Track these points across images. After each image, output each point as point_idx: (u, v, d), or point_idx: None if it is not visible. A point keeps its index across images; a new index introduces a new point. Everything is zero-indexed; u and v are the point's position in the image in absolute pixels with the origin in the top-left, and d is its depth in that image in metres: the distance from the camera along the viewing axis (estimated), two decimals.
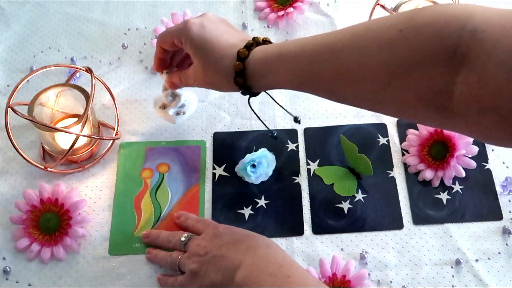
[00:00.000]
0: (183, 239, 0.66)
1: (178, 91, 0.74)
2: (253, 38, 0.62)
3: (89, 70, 0.74)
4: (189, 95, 0.78)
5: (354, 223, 0.71)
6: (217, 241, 0.63)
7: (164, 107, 0.77)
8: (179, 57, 0.73)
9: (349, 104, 0.58)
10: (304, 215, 0.72)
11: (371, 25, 0.54)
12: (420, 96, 0.50)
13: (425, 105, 0.50)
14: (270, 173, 0.74)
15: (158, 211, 0.73)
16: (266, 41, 0.63)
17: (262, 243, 0.62)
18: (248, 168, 0.72)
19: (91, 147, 0.76)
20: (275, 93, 0.82)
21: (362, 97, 0.55)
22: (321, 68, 0.55)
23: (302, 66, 0.57)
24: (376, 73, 0.51)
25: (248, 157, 0.73)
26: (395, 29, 0.50)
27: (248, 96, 0.64)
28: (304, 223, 0.71)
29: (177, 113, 0.76)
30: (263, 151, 0.74)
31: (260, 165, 0.73)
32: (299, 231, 0.71)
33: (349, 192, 0.73)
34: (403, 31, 0.50)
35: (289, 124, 0.79)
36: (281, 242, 0.70)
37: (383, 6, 0.79)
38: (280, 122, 0.79)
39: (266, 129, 0.75)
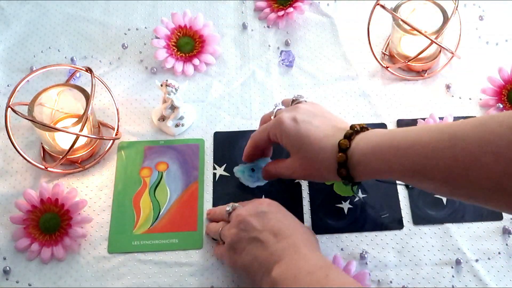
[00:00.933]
0: (228, 208, 0.66)
1: (176, 103, 0.76)
2: (351, 127, 0.62)
3: (89, 70, 0.74)
4: (188, 107, 0.79)
5: (354, 223, 0.71)
6: (261, 221, 0.62)
7: (163, 119, 0.78)
8: (269, 150, 0.73)
9: (460, 197, 0.57)
10: (304, 215, 0.72)
11: (496, 114, 0.54)
12: None
13: None
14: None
15: (157, 209, 0.73)
16: (363, 128, 0.62)
17: (305, 242, 0.60)
18: (246, 172, 0.73)
19: (91, 147, 0.76)
20: (275, 93, 0.82)
21: (480, 185, 0.53)
22: (441, 156, 0.54)
23: (418, 156, 0.55)
24: (503, 154, 0.50)
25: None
26: None
27: (350, 184, 0.63)
28: (305, 223, 0.71)
29: (176, 125, 0.78)
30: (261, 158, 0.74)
31: (258, 170, 0.73)
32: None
33: (349, 192, 0.73)
34: None
35: None
36: None
37: (383, 6, 0.79)
38: None
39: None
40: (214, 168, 0.76)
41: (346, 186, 0.72)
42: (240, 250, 0.61)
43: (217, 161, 0.76)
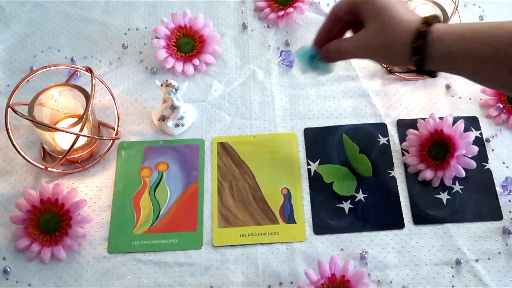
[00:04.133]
0: None
1: (176, 103, 0.76)
2: (431, 16, 0.60)
3: (89, 70, 0.74)
4: (188, 107, 0.79)
5: (355, 223, 0.71)
6: None
7: (163, 119, 0.78)
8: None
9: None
10: (304, 215, 0.72)
11: None
12: None
13: None
14: (330, 69, 0.68)
15: (157, 209, 0.73)
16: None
17: None
18: (306, 57, 0.67)
19: (91, 147, 0.76)
20: (275, 93, 0.82)
21: None
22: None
23: (501, 38, 0.55)
24: None
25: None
26: None
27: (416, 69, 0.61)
28: (305, 223, 0.71)
29: (176, 125, 0.78)
30: None
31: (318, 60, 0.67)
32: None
33: (348, 191, 0.73)
34: None
35: (289, 125, 0.79)
36: (281, 244, 0.70)
37: None
38: (280, 122, 0.79)
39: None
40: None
41: (345, 186, 0.72)
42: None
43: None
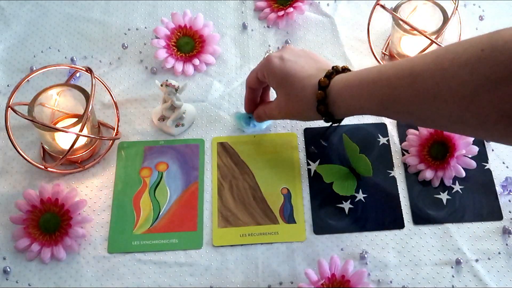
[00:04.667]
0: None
1: (177, 103, 0.76)
2: (333, 67, 0.65)
3: (89, 70, 0.74)
4: (188, 107, 0.80)
5: (355, 223, 0.71)
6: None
7: (163, 119, 0.78)
8: (267, 96, 0.77)
9: (427, 126, 0.61)
10: (304, 214, 0.72)
11: (450, 47, 0.55)
12: (504, 112, 0.50)
13: (508, 121, 0.51)
14: (263, 127, 0.78)
15: (157, 209, 0.73)
16: (345, 69, 0.65)
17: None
18: (243, 119, 0.77)
19: (91, 147, 0.76)
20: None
21: (443, 117, 0.56)
22: (402, 91, 0.57)
23: (383, 91, 0.59)
24: (457, 92, 0.52)
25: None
26: (476, 48, 0.51)
27: (330, 123, 0.67)
28: (305, 223, 0.71)
29: (176, 125, 0.78)
30: None
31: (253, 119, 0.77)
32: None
33: (348, 191, 0.73)
34: (485, 50, 0.51)
35: (289, 125, 0.79)
36: (281, 244, 0.70)
37: (383, 6, 0.79)
38: (280, 122, 0.79)
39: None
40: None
41: (345, 186, 0.72)
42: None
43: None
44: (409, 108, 0.58)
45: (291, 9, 0.87)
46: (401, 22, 0.78)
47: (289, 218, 0.72)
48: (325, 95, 0.63)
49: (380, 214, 0.72)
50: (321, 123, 0.79)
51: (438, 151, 0.73)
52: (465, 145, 0.72)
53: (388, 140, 0.77)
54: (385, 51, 0.86)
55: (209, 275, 0.68)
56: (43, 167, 0.74)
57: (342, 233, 0.71)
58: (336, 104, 0.63)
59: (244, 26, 0.89)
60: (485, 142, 0.77)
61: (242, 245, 0.70)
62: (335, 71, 0.64)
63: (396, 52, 0.84)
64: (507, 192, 0.73)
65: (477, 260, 0.69)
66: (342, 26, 0.89)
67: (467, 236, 0.70)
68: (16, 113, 0.69)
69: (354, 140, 0.73)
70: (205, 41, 0.85)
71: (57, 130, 0.71)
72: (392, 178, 0.75)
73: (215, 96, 0.83)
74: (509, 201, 0.73)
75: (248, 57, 0.86)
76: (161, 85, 0.75)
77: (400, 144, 0.77)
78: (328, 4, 0.91)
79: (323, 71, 0.65)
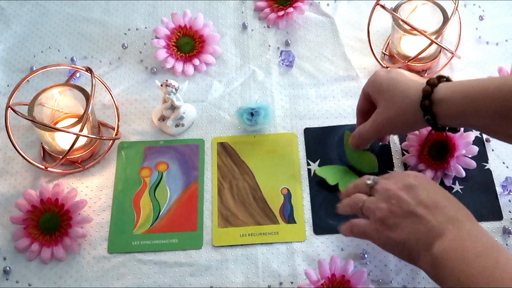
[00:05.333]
0: (369, 182, 0.62)
1: (177, 103, 0.76)
2: (436, 77, 0.63)
3: (89, 70, 0.74)
4: (188, 107, 0.79)
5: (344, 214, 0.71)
6: (413, 193, 0.59)
7: (163, 119, 0.78)
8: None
9: None
10: (304, 215, 0.72)
11: None
12: None
13: None
14: (265, 125, 0.78)
15: (157, 209, 0.73)
16: (447, 80, 0.63)
17: (466, 217, 0.58)
18: (245, 115, 0.76)
19: (91, 147, 0.76)
20: (275, 93, 0.82)
21: None
22: None
23: (506, 95, 0.57)
24: None
25: (248, 105, 0.77)
26: None
27: (431, 128, 0.64)
28: (305, 222, 0.71)
29: (176, 125, 0.78)
30: (264, 103, 0.77)
31: (257, 114, 0.76)
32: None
33: None
34: None
35: (289, 125, 0.79)
36: (281, 244, 0.70)
37: (383, 6, 0.79)
38: (280, 122, 0.80)
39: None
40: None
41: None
42: (394, 226, 0.58)
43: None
44: None
45: (291, 9, 0.87)
46: (401, 22, 0.78)
47: (289, 218, 0.72)
48: (432, 91, 0.61)
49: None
50: (321, 123, 0.79)
51: (438, 151, 0.73)
52: (465, 145, 0.72)
53: (388, 140, 0.77)
54: (385, 51, 0.86)
55: (209, 275, 0.68)
56: (43, 167, 0.74)
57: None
58: (443, 105, 0.60)
59: (244, 26, 0.89)
60: (485, 142, 0.77)
61: (242, 245, 0.70)
62: (439, 81, 0.62)
63: (396, 52, 0.84)
64: (507, 192, 0.73)
65: None
66: (342, 26, 0.89)
67: None
68: (16, 113, 0.69)
69: None
70: (205, 41, 0.85)
71: (57, 130, 0.71)
72: None
73: (215, 96, 0.83)
74: (509, 201, 0.73)
75: (248, 57, 0.86)
76: (161, 85, 0.75)
77: (400, 144, 0.77)
78: (328, 4, 0.91)
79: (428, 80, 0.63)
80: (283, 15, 0.88)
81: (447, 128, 0.65)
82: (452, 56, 0.83)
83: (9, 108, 0.70)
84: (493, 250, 0.54)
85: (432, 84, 0.61)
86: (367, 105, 0.70)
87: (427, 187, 0.60)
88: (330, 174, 0.74)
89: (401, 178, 0.61)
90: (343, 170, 0.75)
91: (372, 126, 0.67)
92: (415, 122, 0.63)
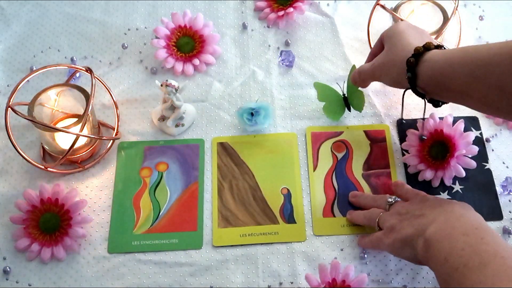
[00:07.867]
0: (390, 200, 0.67)
1: (177, 103, 0.76)
2: (437, 44, 0.65)
3: (89, 70, 0.74)
4: (188, 107, 0.80)
5: (355, 223, 0.71)
6: (422, 204, 0.64)
7: (163, 119, 0.79)
8: None
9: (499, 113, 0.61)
10: (304, 215, 0.72)
11: None
12: None
13: None
14: (265, 125, 0.78)
15: (157, 209, 0.73)
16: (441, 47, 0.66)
17: (460, 206, 0.62)
18: (245, 115, 0.76)
19: (91, 147, 0.76)
20: (275, 93, 0.82)
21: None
22: (500, 63, 0.57)
23: (483, 58, 0.58)
24: None
25: (248, 105, 0.77)
26: None
27: (408, 89, 0.67)
28: (305, 222, 0.71)
29: (176, 125, 0.78)
30: (264, 103, 0.78)
31: (257, 114, 0.76)
32: None
33: (335, 117, 0.77)
34: None
35: (289, 125, 0.79)
36: (281, 244, 0.70)
37: (383, 6, 0.79)
38: (280, 122, 0.80)
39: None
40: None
41: (334, 110, 0.77)
42: (400, 227, 0.62)
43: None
44: (501, 82, 0.57)
45: (291, 9, 0.87)
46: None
47: (289, 218, 0.72)
48: (422, 52, 0.63)
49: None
50: (321, 123, 0.79)
51: (438, 151, 0.73)
52: (465, 145, 0.72)
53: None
54: None
55: (209, 275, 0.68)
56: (43, 167, 0.74)
57: (342, 233, 0.71)
58: (425, 64, 0.63)
59: (244, 26, 0.89)
60: (485, 142, 0.77)
61: (242, 245, 0.70)
62: (435, 46, 0.65)
63: None
64: (507, 192, 0.73)
65: None
66: (342, 26, 0.89)
67: None
68: (16, 113, 0.69)
69: None
70: (205, 41, 0.85)
71: (57, 130, 0.71)
72: None
73: (215, 96, 0.83)
74: (509, 201, 0.73)
75: (248, 57, 0.86)
76: (161, 85, 0.75)
77: (400, 144, 0.77)
78: (328, 4, 0.91)
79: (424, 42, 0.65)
80: (283, 15, 0.88)
81: (427, 98, 0.67)
82: None
83: (9, 108, 0.70)
84: (480, 229, 0.57)
85: (427, 47, 0.64)
86: (380, 49, 0.72)
87: (439, 199, 0.65)
88: (323, 92, 0.78)
89: (419, 198, 0.66)
90: (336, 97, 0.78)
91: (369, 67, 0.71)
92: (399, 76, 0.66)
